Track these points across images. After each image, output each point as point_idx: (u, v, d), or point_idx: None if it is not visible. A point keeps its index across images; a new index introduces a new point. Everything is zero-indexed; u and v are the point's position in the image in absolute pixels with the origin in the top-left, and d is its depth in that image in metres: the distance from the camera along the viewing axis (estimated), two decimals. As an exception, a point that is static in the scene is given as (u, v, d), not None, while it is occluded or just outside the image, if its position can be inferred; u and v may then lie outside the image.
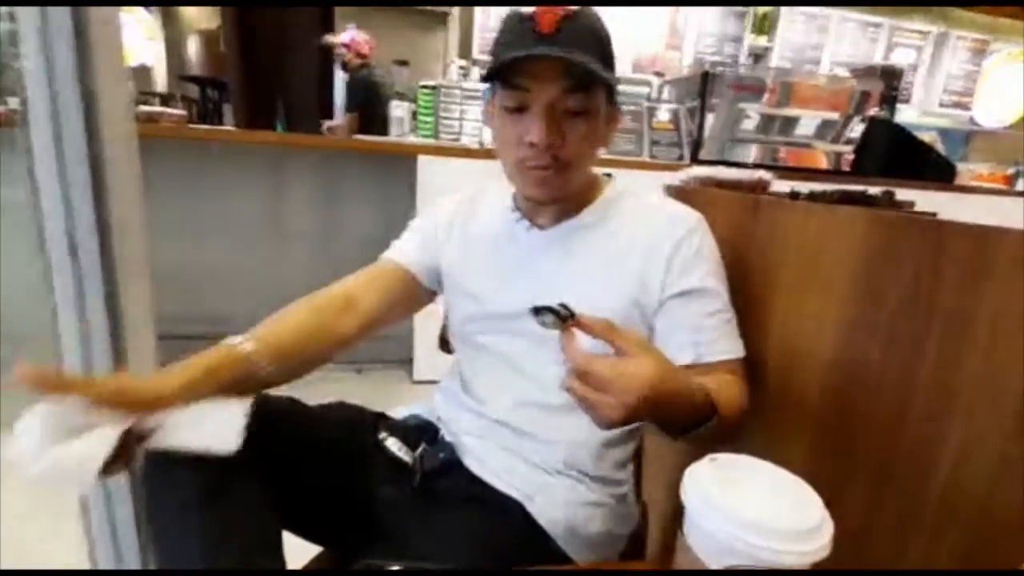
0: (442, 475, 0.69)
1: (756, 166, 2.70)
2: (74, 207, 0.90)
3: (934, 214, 0.80)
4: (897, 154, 2.92)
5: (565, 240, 0.74)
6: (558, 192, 0.69)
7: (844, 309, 0.66)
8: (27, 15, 0.81)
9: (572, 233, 0.74)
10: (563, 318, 0.50)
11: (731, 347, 0.71)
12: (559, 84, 0.63)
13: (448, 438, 0.73)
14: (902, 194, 1.08)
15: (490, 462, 0.69)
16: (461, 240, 0.79)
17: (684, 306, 0.70)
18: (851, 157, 2.94)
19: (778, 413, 0.75)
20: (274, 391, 0.67)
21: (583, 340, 0.50)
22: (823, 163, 3.04)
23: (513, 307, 0.69)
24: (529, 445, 0.69)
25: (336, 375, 2.14)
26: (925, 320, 0.57)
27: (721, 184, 1.07)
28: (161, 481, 0.54)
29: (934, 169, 2.95)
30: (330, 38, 2.64)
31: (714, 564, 0.38)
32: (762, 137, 2.98)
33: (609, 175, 0.81)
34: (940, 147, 3.17)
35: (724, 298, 0.73)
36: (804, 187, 1.10)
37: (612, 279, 0.70)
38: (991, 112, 5.28)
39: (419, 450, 0.71)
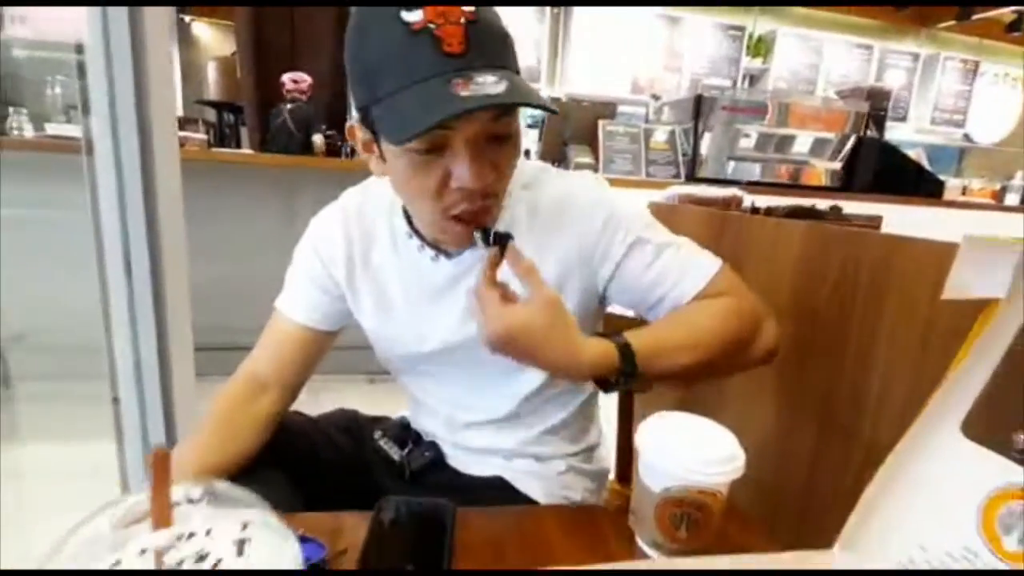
0: (429, 472, 0.78)
1: (751, 184, 2.83)
2: (129, 228, 1.03)
3: (876, 225, 0.92)
4: (885, 171, 3.06)
5: (475, 267, 0.62)
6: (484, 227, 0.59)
7: (791, 300, 0.79)
8: (93, 54, 0.94)
9: (481, 258, 0.58)
10: (497, 242, 0.54)
11: (698, 275, 0.64)
12: (486, 114, 0.51)
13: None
14: (887, 208, 1.21)
15: (466, 460, 0.78)
16: (370, 290, 0.71)
17: (627, 274, 0.65)
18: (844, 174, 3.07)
19: (748, 384, 0.88)
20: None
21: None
22: (820, 180, 3.15)
23: (439, 344, 0.69)
24: (493, 445, 0.76)
25: (348, 384, 2.25)
26: (849, 307, 0.69)
27: (699, 201, 1.20)
28: None
29: (921, 184, 3.08)
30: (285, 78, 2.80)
31: (656, 488, 0.49)
32: (759, 155, 3.12)
33: None
34: (925, 163, 3.29)
35: (657, 235, 0.66)
36: (769, 202, 1.23)
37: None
38: (984, 129, 5.42)
39: (406, 450, 0.79)
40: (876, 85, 4.41)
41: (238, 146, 3.16)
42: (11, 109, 2.10)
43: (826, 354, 0.74)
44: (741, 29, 4.63)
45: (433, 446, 0.79)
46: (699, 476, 0.48)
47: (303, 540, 0.50)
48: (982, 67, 5.28)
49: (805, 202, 1.04)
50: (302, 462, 0.72)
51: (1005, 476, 0.39)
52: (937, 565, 0.41)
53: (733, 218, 0.95)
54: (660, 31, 4.45)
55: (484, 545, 0.51)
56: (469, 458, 0.78)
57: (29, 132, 2.07)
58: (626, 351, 0.56)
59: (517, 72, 0.55)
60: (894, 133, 4.89)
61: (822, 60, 4.90)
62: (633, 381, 0.56)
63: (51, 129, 2.07)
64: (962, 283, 0.42)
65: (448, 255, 0.67)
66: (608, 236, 0.64)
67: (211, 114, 3.78)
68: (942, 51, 5.17)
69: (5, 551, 1.01)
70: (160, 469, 0.23)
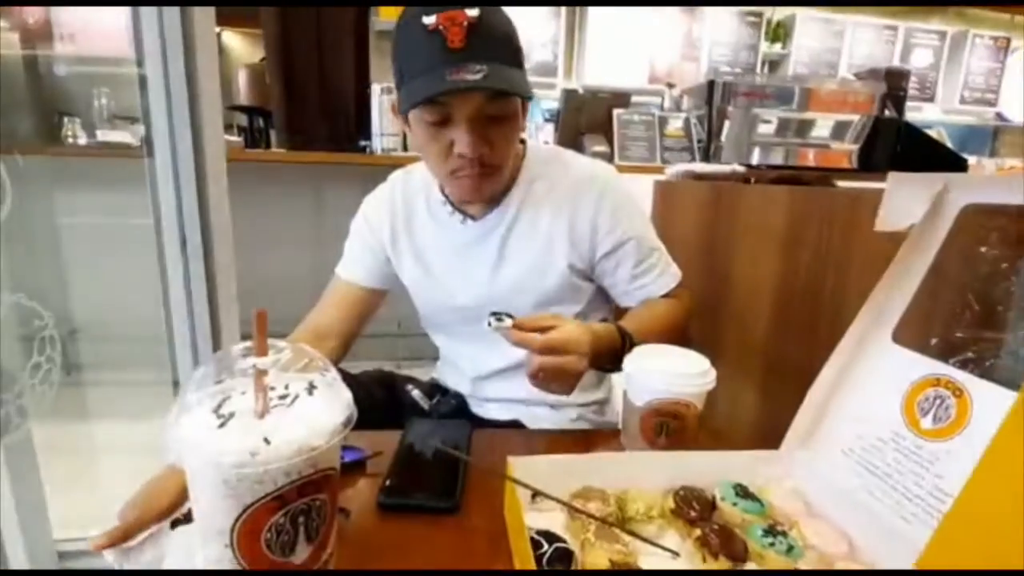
0: (453, 417, 0.88)
1: (770, 167, 2.84)
2: (184, 214, 1.17)
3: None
4: (904, 151, 3.04)
5: (497, 228, 0.80)
6: (489, 193, 0.76)
7: (777, 259, 0.86)
8: (153, 66, 1.08)
9: (502, 221, 0.79)
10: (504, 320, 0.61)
11: (667, 281, 0.82)
12: (480, 95, 0.64)
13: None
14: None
15: (487, 407, 0.88)
16: (411, 250, 0.85)
17: (618, 260, 0.80)
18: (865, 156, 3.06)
19: (738, 335, 0.96)
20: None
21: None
22: (841, 163, 3.13)
23: (469, 300, 0.81)
24: (511, 395, 0.86)
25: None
26: (824, 261, 0.76)
27: (699, 176, 1.27)
28: None
29: (944, 164, 3.05)
30: None
31: (639, 402, 0.58)
32: (779, 140, 3.13)
33: (523, 141, 0.83)
34: (948, 143, 3.26)
35: (650, 238, 0.82)
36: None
37: (546, 256, 0.79)
38: (1017, 107, 5.25)
39: (435, 399, 0.90)
40: (894, 65, 4.33)
41: (268, 148, 3.33)
42: (65, 119, 2.28)
43: (808, 310, 0.80)
44: (759, 15, 4.61)
45: (458, 396, 0.90)
46: (675, 388, 0.57)
47: (346, 448, 0.61)
48: (1013, 43, 5.13)
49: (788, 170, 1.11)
50: None
51: (923, 370, 0.47)
52: (870, 449, 0.49)
53: (726, 187, 1.02)
54: (677, 20, 4.47)
55: (493, 450, 0.61)
56: (490, 405, 0.88)
57: (83, 139, 2.25)
58: (624, 332, 0.71)
59: (518, 66, 0.68)
60: (921, 114, 4.79)
61: (843, 43, 4.83)
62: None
63: (101, 136, 2.25)
64: (892, 215, 0.50)
65: (473, 218, 0.81)
66: (613, 222, 0.78)
67: (242, 119, 3.97)
68: (971, 28, 5.04)
69: (78, 510, 1.16)
70: (260, 322, 0.33)
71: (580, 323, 0.65)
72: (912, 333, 0.50)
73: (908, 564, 0.42)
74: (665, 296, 0.83)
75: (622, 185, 0.81)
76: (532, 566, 0.40)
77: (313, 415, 0.33)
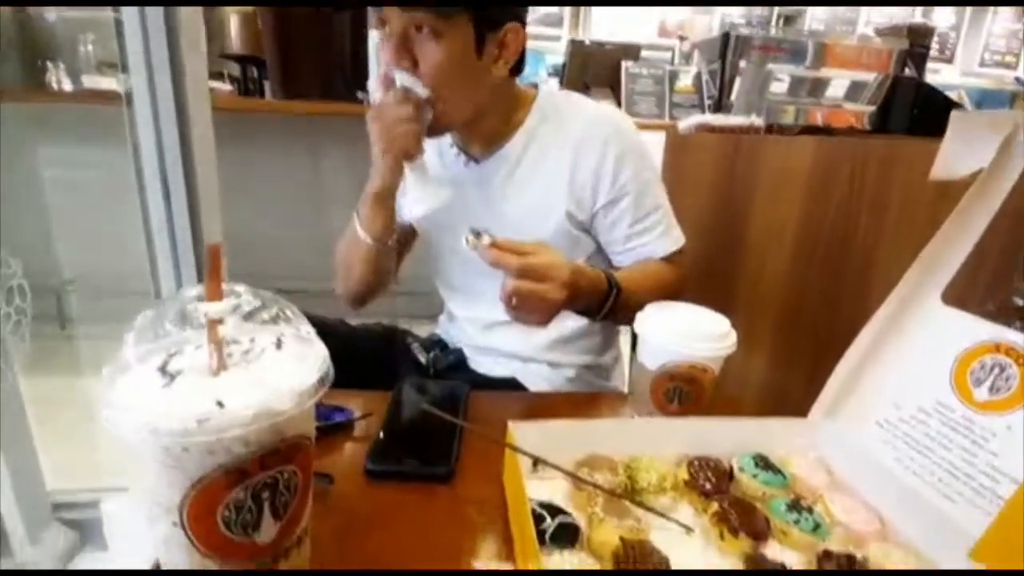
0: (451, 372, 0.85)
1: (781, 127, 2.74)
2: (167, 164, 1.10)
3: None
4: (923, 113, 2.92)
5: (498, 172, 0.77)
6: (435, 132, 0.71)
7: (799, 215, 0.80)
8: (129, 15, 0.99)
9: (503, 164, 0.76)
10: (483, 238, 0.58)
11: (667, 244, 0.76)
12: (407, 14, 0.63)
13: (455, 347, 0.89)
14: (918, 150, 1.16)
15: (485, 362, 0.85)
16: (417, 184, 0.82)
17: (617, 214, 0.75)
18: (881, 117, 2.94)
19: (753, 296, 0.91)
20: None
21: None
22: (855, 124, 3.02)
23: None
24: (511, 348, 0.82)
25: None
26: (852, 220, 0.70)
27: (716, 130, 1.19)
28: None
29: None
30: None
31: (652, 365, 0.53)
32: (791, 99, 3.00)
33: (535, 85, 0.81)
34: (968, 106, 3.13)
35: (655, 194, 0.76)
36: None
37: (546, 201, 0.75)
38: (1039, 71, 5.06)
39: (432, 353, 0.87)
40: (918, 22, 4.14)
41: (262, 97, 3.20)
42: (49, 64, 2.17)
43: (832, 271, 0.75)
44: (776, -33, 4.38)
45: (457, 351, 0.87)
46: (692, 351, 0.52)
47: (333, 409, 0.56)
48: (1039, 2, 4.89)
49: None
50: (333, 357, 0.79)
51: (979, 335, 0.41)
52: (909, 421, 0.44)
53: (746, 140, 0.95)
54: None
55: (491, 414, 0.56)
56: (488, 360, 0.85)
57: (68, 86, 2.14)
58: (612, 279, 0.67)
59: None
60: (939, 77, 4.62)
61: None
62: (608, 308, 0.66)
63: (87, 82, 2.13)
64: (950, 162, 0.44)
65: (476, 160, 0.79)
66: (616, 170, 0.73)
67: (235, 69, 3.81)
68: (997, -13, 4.81)
69: (73, 462, 1.17)
70: (212, 260, 0.27)
71: (563, 255, 0.61)
72: (966, 294, 0.44)
73: (950, 545, 0.38)
74: (664, 260, 0.78)
75: (634, 134, 0.76)
76: (533, 541, 0.35)
77: (279, 374, 0.27)
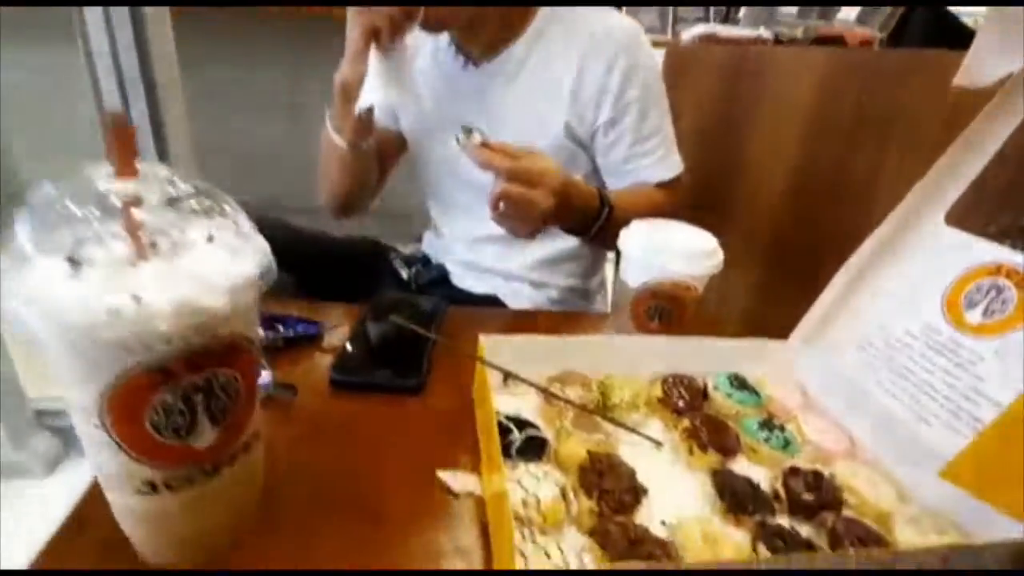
0: (432, 287, 0.83)
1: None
2: (124, 72, 1.02)
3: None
4: (939, 38, 2.76)
5: (498, 76, 0.73)
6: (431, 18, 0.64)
7: (802, 135, 0.75)
8: None
9: (504, 69, 0.72)
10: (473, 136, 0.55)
11: (663, 171, 0.74)
12: None
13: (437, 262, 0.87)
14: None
15: (468, 278, 0.82)
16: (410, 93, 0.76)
17: (618, 134, 0.71)
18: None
19: (746, 217, 0.88)
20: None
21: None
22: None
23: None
24: (495, 265, 0.80)
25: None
26: (858, 142, 0.66)
27: (721, 42, 1.11)
28: None
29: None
30: None
31: (634, 283, 0.51)
32: (799, 21, 2.83)
33: None
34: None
35: (658, 115, 0.73)
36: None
37: (546, 109, 0.71)
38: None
39: (414, 268, 0.85)
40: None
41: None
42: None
43: (831, 195, 0.71)
44: None
45: (440, 267, 0.85)
46: (676, 268, 0.49)
47: (299, 321, 0.54)
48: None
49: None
50: (311, 268, 0.76)
51: (981, 255, 0.39)
52: (895, 344, 0.43)
53: (754, 51, 0.88)
54: None
55: (468, 331, 0.54)
56: (471, 276, 0.82)
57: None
58: (604, 197, 0.64)
59: None
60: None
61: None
62: (599, 226, 0.64)
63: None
64: (979, 66, 0.39)
65: (476, 64, 0.74)
66: (623, 85, 0.69)
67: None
68: None
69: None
70: (117, 132, 0.23)
71: (557, 162, 0.58)
72: (971, 215, 0.41)
73: (920, 467, 0.37)
74: (659, 186, 0.74)
75: (646, 50, 0.71)
76: (498, 453, 0.34)
77: (209, 267, 0.24)
